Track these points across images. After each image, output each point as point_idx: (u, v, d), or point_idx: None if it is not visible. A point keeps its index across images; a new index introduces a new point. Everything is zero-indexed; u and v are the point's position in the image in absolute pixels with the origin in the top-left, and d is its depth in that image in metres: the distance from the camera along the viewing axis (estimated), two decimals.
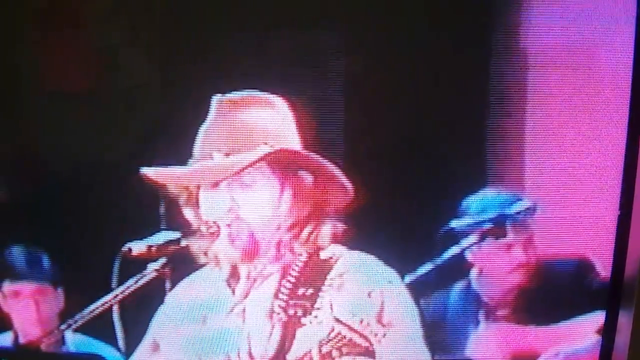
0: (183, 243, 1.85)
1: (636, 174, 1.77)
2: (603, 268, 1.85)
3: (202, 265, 1.87)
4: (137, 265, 1.86)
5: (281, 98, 1.79)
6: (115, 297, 1.85)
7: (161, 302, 1.89)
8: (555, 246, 1.85)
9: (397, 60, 1.79)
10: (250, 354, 1.87)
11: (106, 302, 1.86)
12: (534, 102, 1.79)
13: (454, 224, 1.85)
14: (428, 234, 1.86)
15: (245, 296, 1.88)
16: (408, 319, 1.86)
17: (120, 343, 1.88)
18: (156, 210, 1.84)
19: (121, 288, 1.85)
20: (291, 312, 1.86)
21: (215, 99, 1.80)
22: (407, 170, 1.83)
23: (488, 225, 1.85)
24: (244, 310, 1.88)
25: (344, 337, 1.85)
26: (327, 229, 1.85)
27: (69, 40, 1.82)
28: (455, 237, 1.86)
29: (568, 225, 1.83)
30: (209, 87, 1.79)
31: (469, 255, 1.87)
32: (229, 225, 1.83)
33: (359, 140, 1.81)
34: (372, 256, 1.85)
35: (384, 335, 1.85)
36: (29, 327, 1.96)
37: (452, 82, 1.79)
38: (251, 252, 1.84)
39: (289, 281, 1.86)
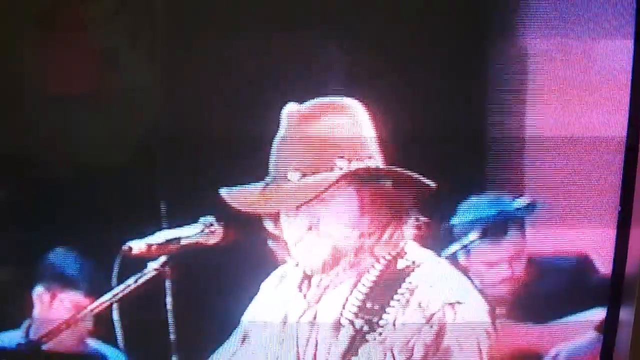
0: (183, 242, 1.84)
1: (636, 169, 1.78)
2: (604, 264, 1.86)
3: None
4: (137, 264, 1.85)
5: (355, 101, 1.78)
6: (115, 295, 1.85)
7: (161, 300, 1.89)
8: (555, 243, 1.85)
9: (400, 65, 1.79)
10: None
11: (106, 301, 1.85)
12: (534, 100, 1.79)
13: (454, 222, 1.85)
14: (429, 232, 1.86)
15: (317, 302, 1.86)
16: (469, 346, 1.83)
17: (120, 342, 1.87)
18: (157, 209, 1.84)
19: (121, 287, 1.85)
20: (357, 325, 1.83)
21: (286, 110, 1.78)
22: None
23: (488, 224, 1.85)
24: (315, 315, 1.86)
25: None
26: (408, 226, 1.82)
27: (77, 41, 1.83)
28: (455, 235, 1.86)
29: (568, 222, 1.83)
30: (278, 97, 1.78)
31: (468, 254, 1.87)
32: (309, 237, 1.81)
33: None
34: (449, 265, 1.84)
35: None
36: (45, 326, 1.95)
37: (452, 83, 1.80)
38: (331, 264, 1.83)
39: (360, 291, 1.84)
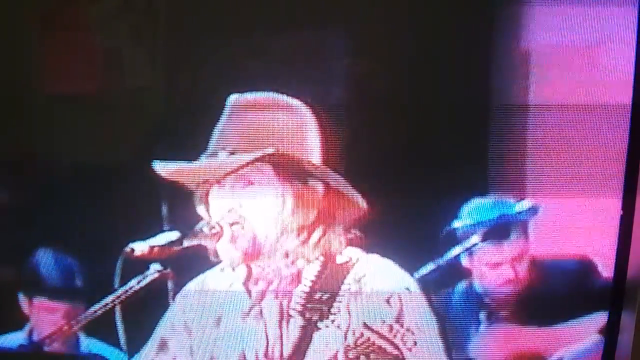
0: (185, 244, 1.84)
1: (639, 173, 1.77)
2: (606, 268, 1.85)
3: (212, 265, 1.87)
4: (139, 265, 1.85)
5: (301, 102, 1.78)
6: (117, 297, 1.85)
7: (164, 302, 1.89)
8: (557, 247, 1.85)
9: (400, 66, 1.80)
10: (266, 356, 1.87)
11: (108, 303, 1.86)
12: (536, 104, 1.78)
13: (456, 225, 1.85)
14: (431, 236, 1.86)
15: (262, 298, 1.88)
16: (426, 329, 1.85)
17: (123, 344, 1.87)
18: (159, 210, 1.84)
19: (123, 288, 1.85)
20: (308, 315, 1.86)
21: (231, 98, 1.79)
22: (411, 175, 1.83)
23: (490, 227, 1.85)
24: (260, 312, 1.88)
25: (373, 343, 1.85)
26: (338, 236, 1.85)
27: (78, 41, 1.83)
28: (457, 238, 1.86)
29: (570, 225, 1.83)
30: (223, 87, 1.79)
31: (470, 257, 1.87)
32: (231, 225, 1.83)
33: (367, 146, 1.81)
34: (389, 261, 1.85)
35: (412, 340, 1.85)
36: (45, 329, 1.96)
37: (453, 86, 1.79)
38: (253, 254, 1.84)
39: (305, 285, 1.86)
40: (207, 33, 1.79)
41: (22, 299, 1.96)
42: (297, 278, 1.87)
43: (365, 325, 1.85)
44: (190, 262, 1.86)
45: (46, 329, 1.94)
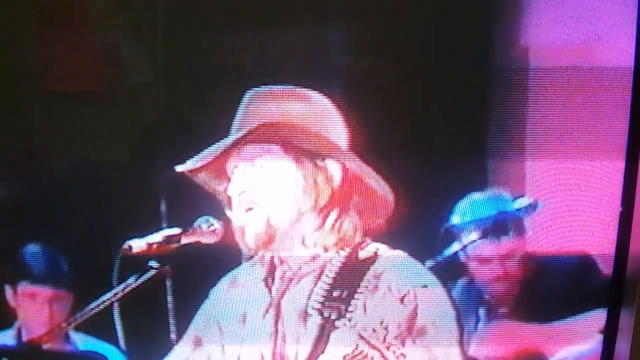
0: (183, 240, 1.84)
1: (638, 171, 1.77)
2: (605, 266, 1.85)
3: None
4: (137, 263, 1.85)
5: (318, 93, 1.78)
6: (115, 295, 1.85)
7: (163, 300, 1.88)
8: (556, 244, 1.85)
9: (402, 63, 1.80)
10: (282, 355, 1.87)
11: (106, 300, 1.86)
12: (536, 101, 1.78)
13: (456, 221, 1.85)
14: (430, 231, 1.86)
15: (282, 296, 1.87)
16: (444, 324, 1.84)
17: (121, 341, 1.87)
18: (157, 208, 1.84)
19: (121, 286, 1.85)
20: (326, 314, 1.85)
21: (249, 93, 1.79)
22: (413, 169, 1.83)
23: (490, 223, 1.85)
24: (279, 309, 1.87)
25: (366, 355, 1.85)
26: (353, 221, 1.83)
27: (79, 39, 1.84)
28: (457, 234, 1.85)
29: (570, 222, 1.83)
30: (239, 82, 1.80)
31: (470, 253, 1.87)
32: (246, 211, 1.82)
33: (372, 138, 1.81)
34: (409, 257, 1.84)
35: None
36: (34, 326, 1.96)
37: (453, 83, 1.79)
38: (268, 239, 1.84)
39: (324, 282, 1.85)
40: (211, 29, 1.80)
41: (18, 297, 1.96)
42: (319, 275, 1.86)
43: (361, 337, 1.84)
44: (191, 258, 1.86)
45: (42, 327, 1.94)
